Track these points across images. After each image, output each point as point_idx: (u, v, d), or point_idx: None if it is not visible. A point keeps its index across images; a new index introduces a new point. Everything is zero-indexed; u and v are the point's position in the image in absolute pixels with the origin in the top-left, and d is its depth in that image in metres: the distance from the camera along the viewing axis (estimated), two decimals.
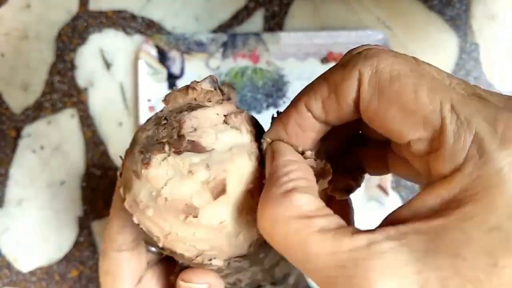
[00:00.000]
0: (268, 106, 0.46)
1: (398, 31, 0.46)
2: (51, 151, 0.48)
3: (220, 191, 0.19)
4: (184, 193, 0.19)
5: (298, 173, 0.18)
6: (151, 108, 0.46)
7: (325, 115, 0.18)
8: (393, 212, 0.17)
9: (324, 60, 0.46)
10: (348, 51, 0.19)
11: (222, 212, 0.19)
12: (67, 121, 0.47)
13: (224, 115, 0.21)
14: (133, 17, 0.47)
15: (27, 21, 0.48)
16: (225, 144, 0.20)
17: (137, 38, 0.47)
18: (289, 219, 0.16)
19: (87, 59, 0.47)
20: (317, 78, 0.19)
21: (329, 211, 0.17)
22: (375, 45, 0.18)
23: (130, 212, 0.20)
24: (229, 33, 0.46)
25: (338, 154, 0.23)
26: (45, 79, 0.48)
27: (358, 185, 0.24)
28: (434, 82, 0.16)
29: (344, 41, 0.45)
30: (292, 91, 0.46)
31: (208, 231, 0.19)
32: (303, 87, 0.20)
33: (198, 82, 0.22)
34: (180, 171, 0.19)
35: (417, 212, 0.15)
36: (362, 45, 0.18)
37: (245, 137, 0.20)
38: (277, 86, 0.46)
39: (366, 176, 0.24)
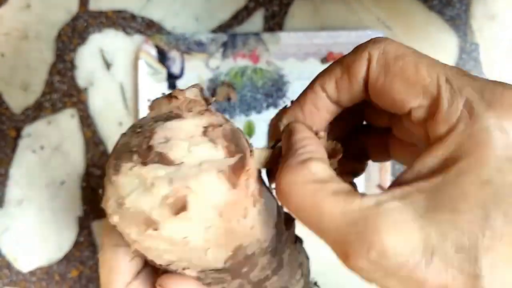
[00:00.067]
0: (268, 106, 0.46)
1: (398, 31, 0.46)
2: (51, 151, 0.48)
3: (179, 208, 0.18)
4: (144, 206, 0.18)
5: (313, 147, 0.20)
6: None
7: (338, 94, 0.21)
8: (398, 176, 0.18)
9: (324, 60, 0.46)
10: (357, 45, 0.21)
11: (184, 228, 0.18)
12: (67, 121, 0.47)
13: (204, 127, 0.20)
14: (133, 17, 0.47)
15: (27, 21, 0.48)
16: (195, 158, 0.19)
17: (137, 38, 0.47)
18: (306, 183, 0.18)
19: (87, 59, 0.47)
20: (331, 63, 0.21)
21: (340, 179, 0.18)
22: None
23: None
24: (229, 33, 0.46)
25: (344, 142, 0.24)
26: (45, 79, 0.48)
27: (363, 170, 0.27)
28: (432, 60, 0.19)
29: (344, 41, 0.45)
30: (292, 91, 0.46)
31: (172, 244, 0.19)
32: (303, 87, 0.22)
33: (182, 90, 0.21)
34: (144, 182, 0.18)
35: (419, 173, 0.17)
36: (370, 39, 0.21)
37: (219, 152, 0.19)
38: (277, 86, 0.46)
39: (366, 176, 0.25)
